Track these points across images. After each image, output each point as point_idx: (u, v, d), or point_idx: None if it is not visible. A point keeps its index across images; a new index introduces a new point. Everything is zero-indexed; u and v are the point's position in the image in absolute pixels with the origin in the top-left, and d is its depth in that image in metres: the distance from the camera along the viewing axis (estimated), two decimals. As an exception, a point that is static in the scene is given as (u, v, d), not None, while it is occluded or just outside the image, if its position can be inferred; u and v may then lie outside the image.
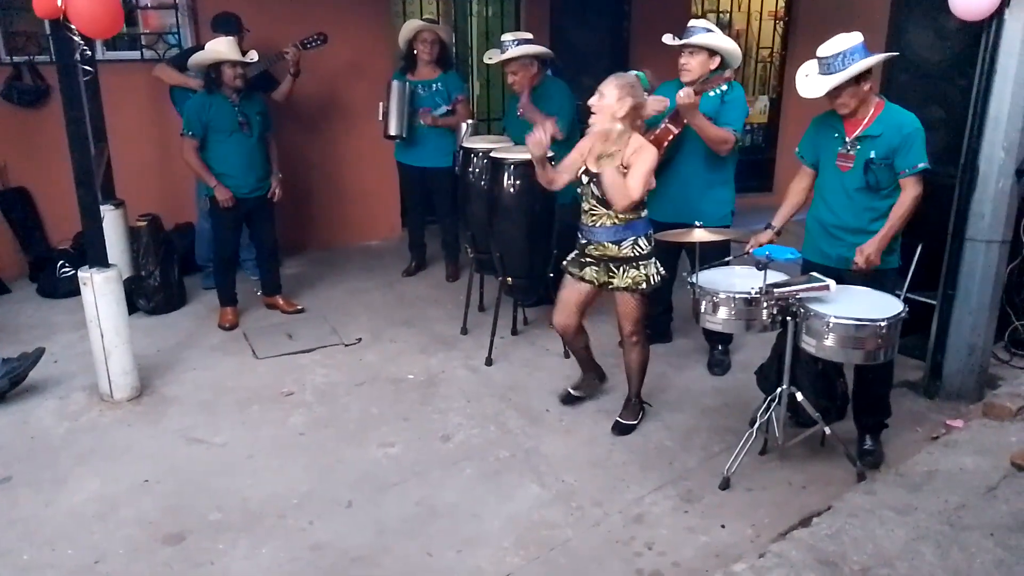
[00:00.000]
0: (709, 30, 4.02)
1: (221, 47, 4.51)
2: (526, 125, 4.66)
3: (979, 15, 3.59)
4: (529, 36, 4.61)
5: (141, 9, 5.68)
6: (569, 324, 3.76)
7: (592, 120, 3.42)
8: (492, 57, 4.74)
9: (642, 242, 3.51)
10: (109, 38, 4.98)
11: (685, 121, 3.98)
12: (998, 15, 3.59)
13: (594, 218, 3.51)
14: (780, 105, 7.63)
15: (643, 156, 3.37)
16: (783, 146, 7.47)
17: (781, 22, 7.65)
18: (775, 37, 7.70)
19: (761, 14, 7.70)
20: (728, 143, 4.00)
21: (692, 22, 4.06)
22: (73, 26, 3.46)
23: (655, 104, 4.05)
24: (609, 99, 3.35)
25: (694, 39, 3.97)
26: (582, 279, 3.64)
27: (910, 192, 3.31)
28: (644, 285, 3.54)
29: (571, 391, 4.05)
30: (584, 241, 3.59)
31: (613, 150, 3.40)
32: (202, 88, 4.73)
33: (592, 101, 3.39)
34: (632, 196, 3.34)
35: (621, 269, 3.53)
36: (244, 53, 4.66)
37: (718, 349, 4.43)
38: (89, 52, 3.69)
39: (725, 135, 3.97)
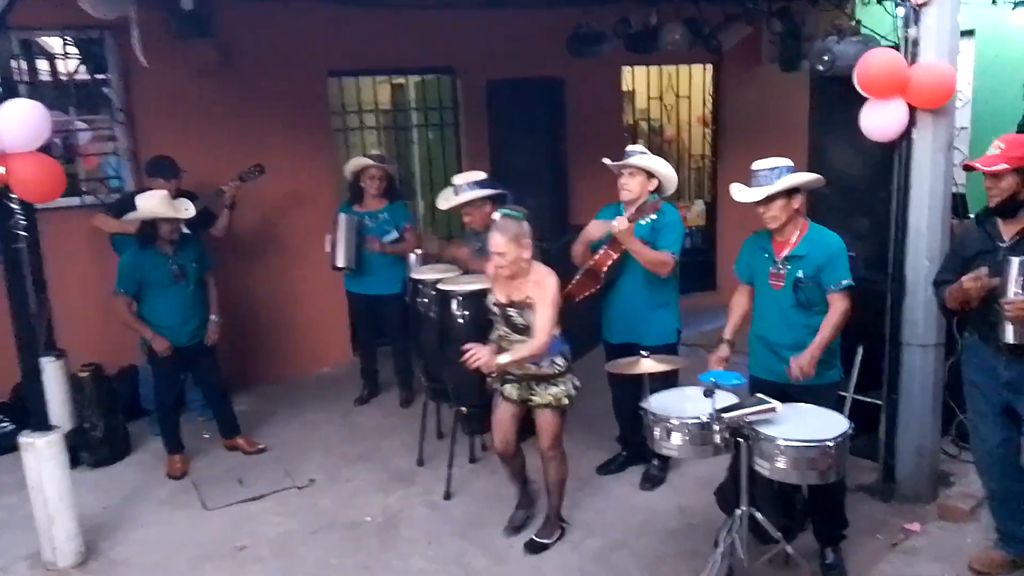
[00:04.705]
0: (644, 154, 4.22)
1: (154, 204, 4.47)
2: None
3: (889, 137, 3.83)
4: (481, 177, 4.70)
5: (82, 156, 5.71)
6: (509, 441, 3.83)
7: (504, 272, 3.62)
8: (445, 201, 4.82)
9: (559, 360, 3.67)
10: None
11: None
12: (907, 135, 3.84)
13: (508, 344, 3.67)
14: (715, 208, 7.91)
15: (546, 292, 3.58)
16: (722, 246, 7.72)
17: (709, 129, 8.01)
18: (704, 144, 8.04)
19: (690, 122, 8.07)
20: (667, 266, 4.13)
21: (629, 147, 4.28)
22: (14, 195, 3.47)
23: (596, 229, 4.20)
24: (511, 253, 3.56)
25: (633, 160, 4.16)
26: (504, 396, 3.75)
27: (838, 307, 3.47)
28: (565, 401, 3.68)
29: (515, 524, 4.06)
30: None
31: (518, 283, 3.64)
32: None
33: (498, 263, 3.59)
34: (541, 346, 3.55)
35: (542, 387, 3.67)
36: (180, 195, 4.69)
37: (654, 464, 4.45)
38: (25, 222, 3.69)
39: (662, 258, 4.11)
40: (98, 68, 5.65)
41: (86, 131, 5.73)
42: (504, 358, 3.53)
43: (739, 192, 3.57)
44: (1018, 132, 7.82)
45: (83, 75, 5.66)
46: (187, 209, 4.60)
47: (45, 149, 3.86)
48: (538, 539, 3.85)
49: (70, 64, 5.61)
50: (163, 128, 5.62)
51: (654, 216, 4.04)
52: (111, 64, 5.58)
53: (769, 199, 3.45)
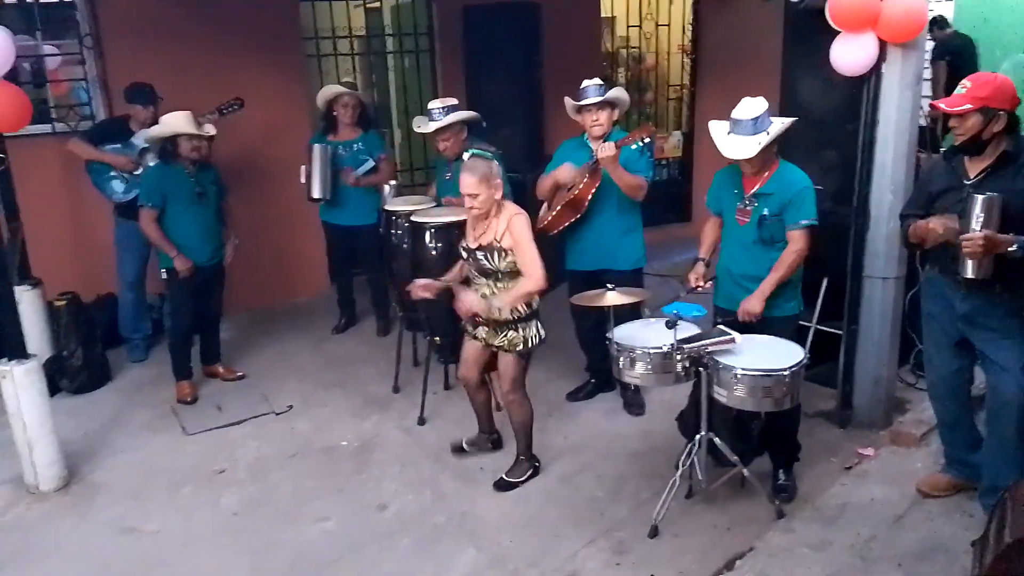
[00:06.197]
0: (601, 85, 4.26)
1: (179, 121, 4.56)
2: (454, 189, 4.80)
3: (859, 71, 3.84)
4: (454, 101, 4.69)
5: (50, 82, 5.60)
6: (470, 377, 3.92)
7: (476, 213, 3.60)
8: (422, 126, 4.79)
9: (521, 307, 3.67)
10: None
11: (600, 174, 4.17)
12: (876, 70, 3.85)
13: (476, 287, 3.71)
14: (692, 139, 7.90)
15: (520, 234, 3.54)
16: (698, 178, 7.73)
17: (689, 58, 7.93)
18: (683, 73, 7.97)
19: (669, 50, 7.98)
20: (643, 189, 4.25)
21: (585, 83, 4.29)
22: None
23: (566, 174, 4.27)
24: (483, 193, 3.53)
25: (608, 95, 4.21)
26: (474, 337, 3.82)
27: (794, 245, 3.56)
28: (520, 347, 3.71)
29: (464, 445, 4.18)
30: None
31: (488, 225, 3.63)
32: (133, 163, 4.94)
33: (470, 203, 3.56)
34: (539, 281, 3.54)
35: (501, 331, 3.71)
36: (155, 123, 4.72)
37: (631, 390, 4.60)
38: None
39: (640, 181, 4.22)
40: (65, -10, 5.49)
41: (55, 56, 5.62)
42: (497, 301, 3.57)
43: (727, 149, 3.54)
44: (933, 60, 7.83)
45: (50, -3, 5.52)
46: (210, 129, 4.68)
47: (12, 74, 3.81)
48: (507, 478, 3.92)
49: (35, -14, 5.45)
50: (132, 54, 5.51)
51: (647, 139, 4.08)
52: (76, -14, 5.43)
53: None
